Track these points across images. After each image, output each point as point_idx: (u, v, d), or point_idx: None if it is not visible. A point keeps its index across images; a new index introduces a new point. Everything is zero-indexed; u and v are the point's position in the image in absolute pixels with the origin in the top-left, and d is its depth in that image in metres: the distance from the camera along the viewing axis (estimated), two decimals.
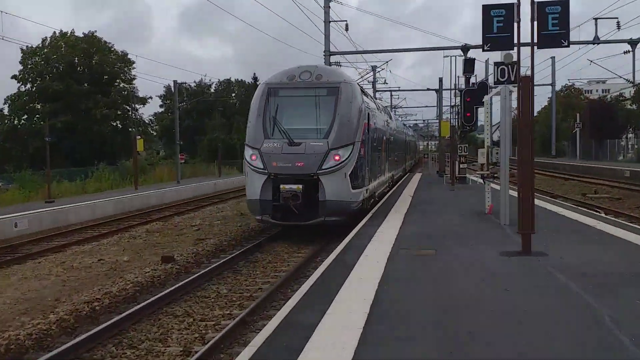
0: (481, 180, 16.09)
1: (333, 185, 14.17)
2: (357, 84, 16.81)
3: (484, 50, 11.40)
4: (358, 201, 14.98)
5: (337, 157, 14.30)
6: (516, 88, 11.31)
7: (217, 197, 29.76)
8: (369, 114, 16.49)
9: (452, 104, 40.84)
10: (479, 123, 27.99)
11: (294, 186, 14.16)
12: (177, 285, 10.03)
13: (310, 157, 14.21)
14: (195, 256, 12.97)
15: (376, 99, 30.14)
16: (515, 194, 13.73)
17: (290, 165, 14.23)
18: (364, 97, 16.67)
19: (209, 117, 66.07)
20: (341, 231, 14.44)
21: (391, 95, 59.68)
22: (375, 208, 16.61)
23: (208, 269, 11.36)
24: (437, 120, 49.19)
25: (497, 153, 13.60)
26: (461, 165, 26.31)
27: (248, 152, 14.81)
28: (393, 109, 57.99)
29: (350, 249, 10.12)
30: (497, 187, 15.28)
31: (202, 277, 10.81)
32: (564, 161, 50.20)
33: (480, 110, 25.76)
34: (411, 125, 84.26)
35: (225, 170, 47.62)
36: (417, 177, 34.20)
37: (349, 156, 14.42)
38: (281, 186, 14.25)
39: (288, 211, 14.33)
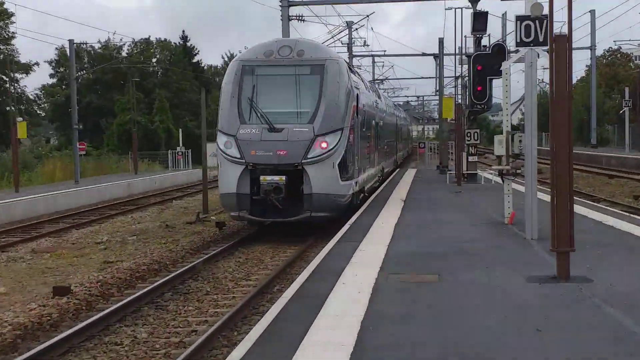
0: (498, 179, 16.22)
1: (320, 176, 16.50)
2: (345, 60, 19.43)
3: None
4: (348, 195, 17.46)
5: (324, 145, 16.59)
6: (546, 52, 11.36)
7: (131, 203, 29.52)
8: (357, 95, 18.88)
9: (457, 74, 41.13)
10: (494, 100, 28.22)
11: (276, 177, 16.43)
12: (75, 328, 9.82)
13: (294, 145, 16.51)
14: (102, 286, 12.78)
15: (353, 67, 30.37)
16: (545, 197, 13.76)
17: (271, 154, 16.51)
18: (352, 76, 19.05)
19: (120, 92, 65.37)
20: (327, 233, 14.57)
21: (373, 62, 60.11)
22: (357, 214, 16.66)
23: (120, 304, 11.19)
24: (437, 97, 49.64)
25: (520, 141, 13.67)
26: (470, 158, 26.51)
27: (222, 139, 17.04)
28: (377, 82, 58.30)
29: (321, 274, 10.06)
30: (521, 187, 15.38)
31: (112, 316, 10.65)
32: (608, 152, 51.11)
33: (496, 82, 25.96)
34: (401, 104, 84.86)
35: (143, 166, 47.31)
36: (410, 173, 34.39)
37: (337, 143, 16.74)
38: (261, 178, 16.53)
39: (269, 206, 16.56)
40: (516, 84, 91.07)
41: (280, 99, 17.37)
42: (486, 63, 23.57)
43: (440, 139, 40.97)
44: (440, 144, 41.09)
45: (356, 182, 18.46)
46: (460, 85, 36.97)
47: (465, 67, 29.37)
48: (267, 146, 16.51)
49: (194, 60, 78.71)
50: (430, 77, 64.36)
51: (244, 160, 16.56)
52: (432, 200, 20.76)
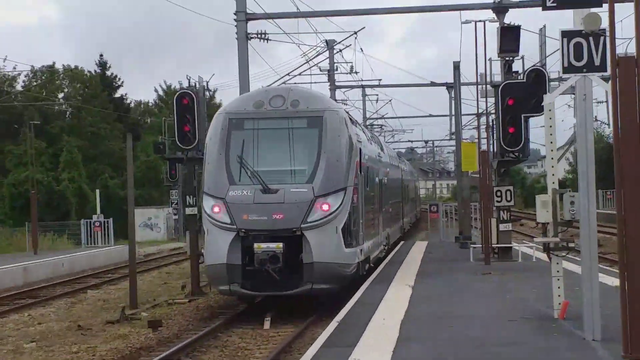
0: (543, 255, 16.15)
1: (322, 243, 19.24)
2: (345, 110, 22.87)
3: (544, 9, 11.53)
4: (353, 264, 20.40)
5: (325, 207, 19.39)
6: (604, 80, 11.43)
7: (29, 295, 29.18)
8: (360, 149, 21.78)
9: (480, 110, 41.36)
10: (532, 146, 28.31)
11: (272, 245, 19.07)
12: None
13: (292, 208, 19.37)
14: None
15: (336, 101, 30.84)
16: (609, 279, 13.68)
17: (265, 218, 19.34)
18: (353, 127, 21.98)
19: (13, 140, 65.26)
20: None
21: (364, 94, 60.37)
22: (348, 307, 16.53)
23: None
24: (453, 143, 49.92)
25: (572, 203, 13.65)
26: (502, 226, 26.47)
27: (208, 202, 20.00)
28: (370, 125, 58.63)
29: None
30: (575, 267, 15.30)
31: None
32: None
33: (535, 122, 26.11)
34: (403, 152, 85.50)
35: (46, 242, 46.94)
36: (419, 246, 34.36)
37: (340, 205, 19.63)
38: (255, 245, 19.16)
39: (264, 278, 19.06)
40: (560, 124, 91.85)
41: (274, 156, 20.52)
42: (520, 95, 23.79)
43: (459, 200, 41.06)
44: (459, 207, 41.14)
45: (361, 250, 21.41)
46: (485, 126, 37.13)
47: (491, 100, 29.60)
48: (261, 209, 19.37)
49: (117, 95, 79.01)
50: (442, 115, 64.60)
51: (235, 226, 19.35)
52: (452, 284, 20.71)
